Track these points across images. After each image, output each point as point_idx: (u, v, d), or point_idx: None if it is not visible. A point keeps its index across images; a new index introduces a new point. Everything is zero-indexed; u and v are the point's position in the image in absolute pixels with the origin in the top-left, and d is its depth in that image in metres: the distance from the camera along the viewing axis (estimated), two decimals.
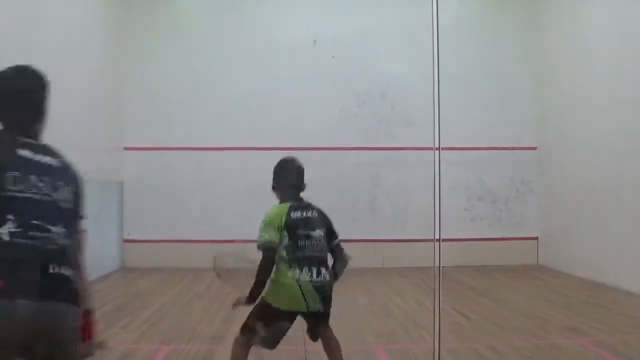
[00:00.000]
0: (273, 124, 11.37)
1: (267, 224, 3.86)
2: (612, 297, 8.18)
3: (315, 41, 11.40)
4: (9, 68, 2.57)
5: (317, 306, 3.82)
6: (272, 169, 4.36)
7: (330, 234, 4.17)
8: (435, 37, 3.42)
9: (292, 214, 3.92)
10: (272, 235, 3.80)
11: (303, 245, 3.83)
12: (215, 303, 7.82)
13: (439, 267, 3.71)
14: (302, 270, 3.76)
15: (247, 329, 3.91)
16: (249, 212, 11.71)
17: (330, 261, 4.08)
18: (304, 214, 4.00)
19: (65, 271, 2.29)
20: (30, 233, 2.23)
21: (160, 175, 11.31)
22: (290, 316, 3.86)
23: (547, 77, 11.41)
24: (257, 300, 3.85)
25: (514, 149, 11.63)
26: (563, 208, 10.56)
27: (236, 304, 3.91)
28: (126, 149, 11.35)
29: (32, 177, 2.35)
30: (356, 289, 9.10)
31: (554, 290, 8.92)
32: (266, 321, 3.80)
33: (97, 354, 5.44)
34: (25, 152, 2.42)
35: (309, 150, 11.46)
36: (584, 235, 9.70)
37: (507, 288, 9.12)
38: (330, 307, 3.99)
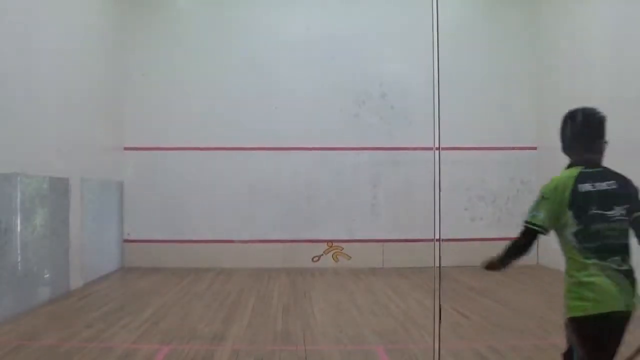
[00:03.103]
0: (273, 124, 11.38)
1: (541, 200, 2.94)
2: None
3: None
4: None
5: (634, 300, 2.85)
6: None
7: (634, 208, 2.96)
8: (435, 37, 3.41)
9: (579, 186, 2.89)
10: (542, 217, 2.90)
11: (597, 230, 2.84)
12: (215, 303, 7.83)
13: (439, 267, 3.70)
14: (602, 258, 2.82)
15: None
16: (248, 212, 11.80)
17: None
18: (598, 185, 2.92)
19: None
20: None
21: (160, 175, 11.32)
22: (610, 322, 2.86)
23: (547, 77, 11.40)
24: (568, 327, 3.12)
25: (514, 149, 11.63)
26: None
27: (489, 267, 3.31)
28: (126, 149, 11.35)
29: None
30: (356, 288, 9.12)
31: (554, 290, 8.91)
32: (589, 344, 2.93)
33: (96, 353, 5.45)
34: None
35: (309, 150, 11.52)
36: None
37: (507, 288, 9.11)
38: None
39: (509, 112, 11.64)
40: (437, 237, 3.67)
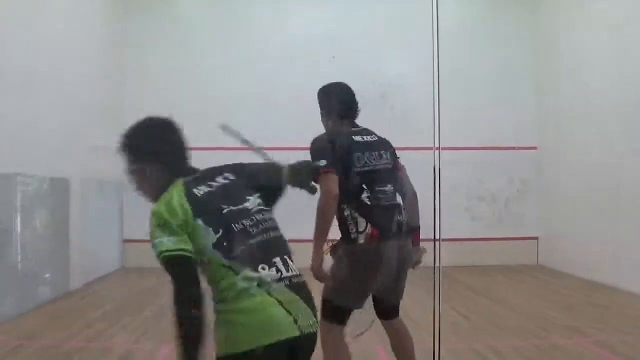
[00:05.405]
0: (273, 125, 11.35)
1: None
2: (612, 297, 8.17)
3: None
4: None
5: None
6: None
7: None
8: (435, 37, 3.42)
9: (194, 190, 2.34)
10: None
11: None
12: None
13: (439, 267, 3.70)
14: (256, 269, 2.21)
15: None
16: None
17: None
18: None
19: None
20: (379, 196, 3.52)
21: None
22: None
23: (547, 77, 11.41)
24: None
25: (514, 149, 11.62)
26: (563, 208, 10.55)
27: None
28: None
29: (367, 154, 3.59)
30: None
31: (554, 290, 8.92)
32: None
33: (96, 353, 5.45)
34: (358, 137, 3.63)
35: (308, 150, 11.51)
36: (584, 235, 9.69)
37: (507, 288, 9.12)
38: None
39: (509, 111, 11.64)
40: (437, 237, 3.67)
